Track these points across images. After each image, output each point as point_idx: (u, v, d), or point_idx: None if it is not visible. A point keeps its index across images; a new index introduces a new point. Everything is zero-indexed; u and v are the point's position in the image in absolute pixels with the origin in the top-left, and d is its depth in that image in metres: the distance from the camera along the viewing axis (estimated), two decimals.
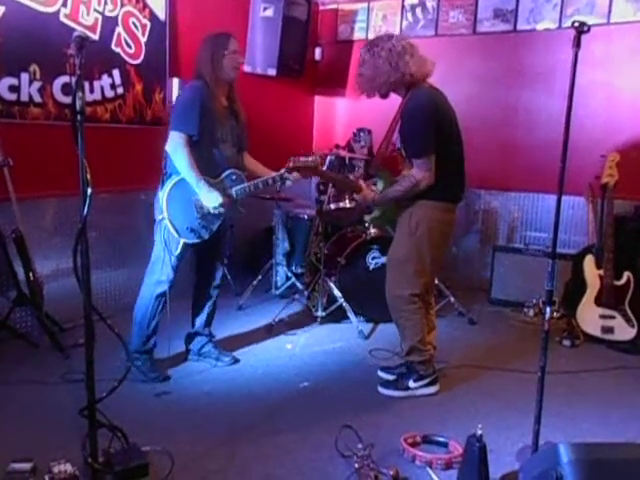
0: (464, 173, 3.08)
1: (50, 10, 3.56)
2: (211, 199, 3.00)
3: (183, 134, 2.96)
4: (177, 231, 3.03)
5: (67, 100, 3.69)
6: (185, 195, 3.02)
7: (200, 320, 3.42)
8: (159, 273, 3.10)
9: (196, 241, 3.09)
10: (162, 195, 3.03)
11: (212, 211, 3.03)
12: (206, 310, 3.40)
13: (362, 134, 4.93)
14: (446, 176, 2.90)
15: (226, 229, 3.32)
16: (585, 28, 2.06)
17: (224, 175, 3.11)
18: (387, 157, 3.18)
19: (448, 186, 2.96)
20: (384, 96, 3.06)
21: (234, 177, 3.13)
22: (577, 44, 2.08)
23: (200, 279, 3.40)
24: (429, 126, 2.87)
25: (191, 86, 3.11)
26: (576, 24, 2.06)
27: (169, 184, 3.02)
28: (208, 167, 3.05)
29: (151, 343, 3.19)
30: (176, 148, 2.96)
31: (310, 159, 3.04)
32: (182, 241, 3.05)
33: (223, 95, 3.11)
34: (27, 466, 2.20)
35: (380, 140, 4.95)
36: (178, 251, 3.06)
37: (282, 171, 3.13)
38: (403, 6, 5.45)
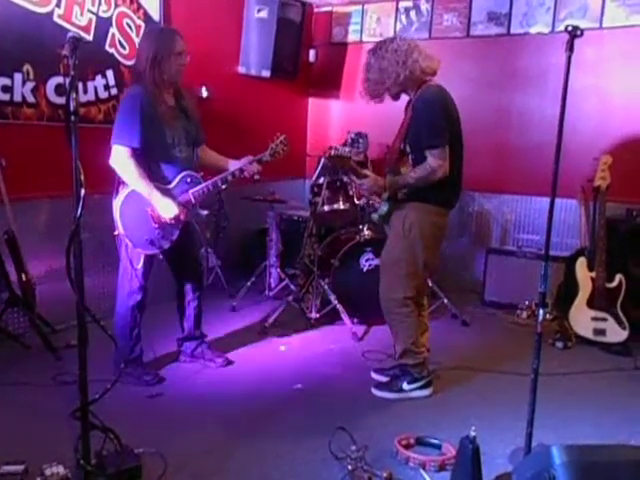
0: (461, 181, 3.08)
1: (44, 10, 3.55)
2: (166, 208, 2.90)
3: (126, 147, 2.84)
4: (135, 244, 2.93)
5: (60, 101, 3.68)
6: (139, 206, 2.91)
7: (188, 324, 3.38)
8: (129, 285, 3.04)
9: (157, 252, 3.01)
10: (115, 209, 2.92)
11: (169, 221, 2.95)
12: (192, 313, 3.35)
13: (361, 140, 4.92)
14: (444, 179, 2.89)
15: (195, 232, 3.22)
16: (578, 32, 2.07)
17: (178, 179, 2.99)
18: (393, 160, 3.13)
19: (444, 190, 2.96)
20: (395, 97, 3.04)
21: (189, 180, 3.02)
22: (570, 48, 2.09)
23: (179, 285, 3.33)
24: (442, 117, 2.87)
25: (129, 95, 2.98)
26: (569, 28, 2.08)
27: (121, 196, 2.91)
28: (160, 175, 2.96)
29: (137, 351, 3.15)
30: (120, 162, 2.85)
31: (347, 149, 3.11)
32: (144, 253, 2.99)
33: (168, 95, 2.97)
34: (19, 468, 2.20)
35: (376, 143, 5.01)
36: (140, 264, 2.99)
37: (274, 145, 3.13)
38: (397, 9, 5.47)
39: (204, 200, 3.09)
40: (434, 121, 2.86)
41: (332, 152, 3.13)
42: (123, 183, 2.93)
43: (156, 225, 2.95)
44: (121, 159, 2.86)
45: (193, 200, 3.03)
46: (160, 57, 2.86)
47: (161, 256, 3.12)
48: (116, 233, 2.95)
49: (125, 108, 2.92)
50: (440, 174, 2.85)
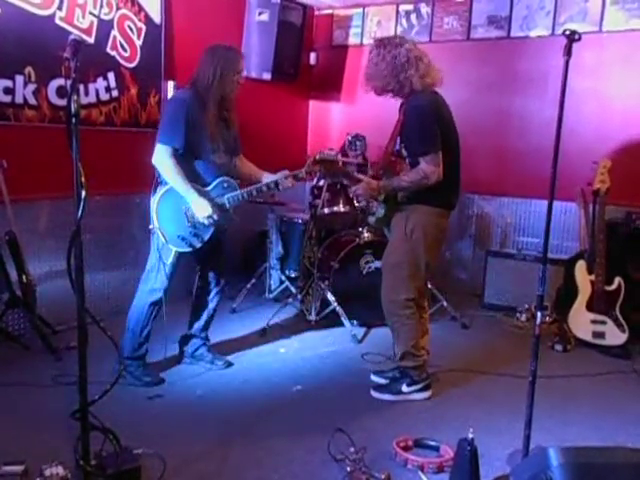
0: (460, 181, 3.09)
1: (46, 13, 3.57)
2: (201, 208, 2.99)
3: (168, 147, 2.96)
4: (167, 239, 3.02)
5: (62, 103, 3.69)
6: (176, 203, 3.02)
7: (198, 324, 3.42)
8: (153, 281, 3.09)
9: (188, 249, 3.08)
10: (153, 204, 3.03)
11: (202, 220, 3.02)
12: (205, 316, 3.40)
13: (358, 142, 4.94)
14: (443, 182, 2.90)
15: (224, 237, 3.31)
16: (576, 36, 2.08)
17: (215, 183, 3.10)
18: (388, 162, 3.15)
19: (444, 192, 2.97)
20: (379, 95, 3.07)
21: (225, 185, 3.12)
22: (568, 52, 2.10)
23: (202, 285, 3.40)
24: (434, 123, 2.87)
25: (177, 98, 3.12)
26: (567, 32, 2.09)
27: (160, 192, 3.03)
28: (199, 177, 3.06)
29: (143, 350, 3.18)
30: (162, 161, 2.96)
31: (332, 153, 3.08)
32: (174, 250, 3.05)
33: (215, 104, 3.06)
34: (19, 469, 2.20)
35: (375, 145, 5.01)
36: (170, 260, 3.06)
37: (308, 162, 3.16)
38: (398, 12, 5.48)
39: (237, 207, 3.17)
40: (425, 127, 2.87)
41: (317, 156, 3.08)
42: (160, 183, 3.04)
43: (189, 224, 3.04)
44: (163, 157, 2.96)
45: (227, 205, 3.11)
46: (225, 73, 3.00)
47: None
48: (151, 227, 3.05)
49: (172, 110, 3.06)
50: (433, 179, 2.86)
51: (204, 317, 3.40)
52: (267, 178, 3.25)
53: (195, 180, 3.03)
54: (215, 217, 3.03)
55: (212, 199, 3.06)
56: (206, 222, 3.03)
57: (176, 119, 2.96)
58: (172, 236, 3.04)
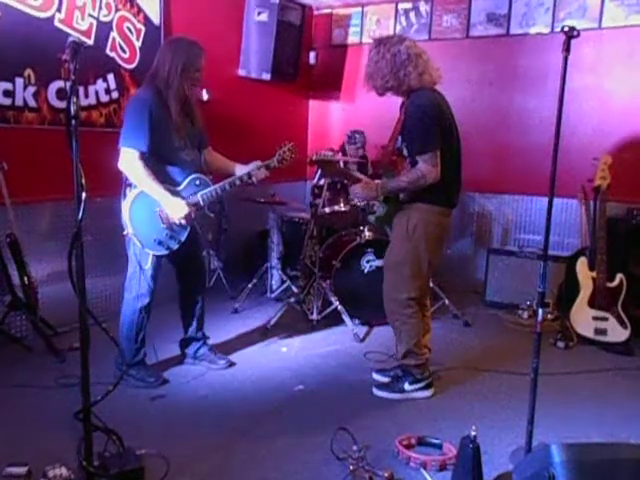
0: (461, 179, 3.09)
1: (45, 15, 3.57)
2: (176, 209, 2.93)
3: (134, 150, 2.87)
4: (144, 244, 2.96)
5: (62, 105, 3.70)
6: (148, 207, 2.94)
7: (191, 326, 3.40)
8: (137, 288, 3.05)
9: (165, 252, 3.03)
10: (124, 209, 2.95)
11: (179, 221, 2.97)
12: (195, 316, 3.38)
13: (357, 135, 4.95)
14: (444, 180, 2.90)
15: (198, 234, 3.25)
16: (575, 33, 2.08)
17: (187, 181, 3.03)
18: (388, 160, 3.14)
19: (445, 190, 2.96)
20: (380, 95, 3.06)
21: (197, 182, 3.06)
22: (567, 49, 2.10)
23: (183, 287, 3.35)
24: (433, 122, 2.86)
25: (138, 98, 3.00)
26: (566, 29, 2.08)
27: (130, 197, 2.94)
28: (169, 177, 2.99)
29: (141, 354, 3.17)
30: (129, 165, 2.88)
31: (330, 154, 3.05)
32: (151, 254, 3.01)
33: (177, 100, 2.95)
34: (22, 470, 2.20)
35: (375, 142, 5.01)
36: (149, 265, 3.02)
37: (282, 152, 3.08)
38: (397, 10, 5.48)
39: (212, 203, 3.13)
40: (425, 126, 2.86)
41: (314, 157, 3.06)
42: (130, 185, 2.96)
43: (164, 226, 2.99)
44: (129, 162, 2.88)
45: (202, 202, 3.05)
46: (186, 69, 2.92)
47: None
48: (125, 233, 2.98)
49: (134, 111, 2.94)
50: (431, 179, 2.85)
51: (195, 318, 3.37)
52: (239, 170, 3.17)
53: (165, 180, 2.95)
54: (192, 215, 2.98)
55: (185, 198, 2.99)
56: (183, 222, 2.97)
57: (140, 120, 2.86)
58: (148, 240, 2.97)
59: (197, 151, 3.15)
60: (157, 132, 2.90)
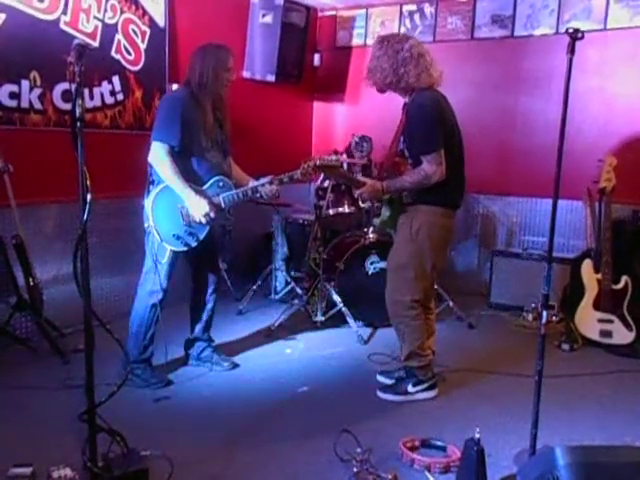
0: (464, 180, 3.08)
1: (50, 18, 3.59)
2: (198, 207, 2.98)
3: (165, 144, 2.95)
4: (162, 238, 3.01)
5: (67, 107, 3.71)
6: (171, 202, 3.01)
7: (199, 326, 3.42)
8: (151, 284, 3.09)
9: (183, 249, 3.07)
10: (147, 202, 3.02)
11: (199, 219, 3.01)
12: (204, 316, 3.40)
13: (365, 144, 4.94)
14: (447, 181, 2.90)
15: (220, 236, 3.31)
16: (579, 35, 2.08)
17: (211, 182, 3.09)
18: (391, 162, 3.14)
19: (449, 192, 2.97)
20: (380, 91, 3.06)
21: (221, 184, 3.11)
22: (571, 50, 2.10)
23: (196, 286, 3.39)
24: (436, 122, 2.86)
25: (172, 96, 3.11)
26: (570, 30, 2.08)
27: (154, 191, 3.01)
28: (194, 176, 3.05)
29: (149, 352, 3.19)
30: (158, 158, 2.96)
31: (334, 158, 3.06)
32: (169, 248, 3.04)
33: (209, 103, 3.08)
34: (27, 471, 2.21)
35: (380, 146, 5.01)
36: (165, 259, 3.05)
37: (306, 166, 3.04)
38: (401, 12, 5.48)
39: (233, 207, 3.17)
40: (427, 126, 2.86)
41: (317, 162, 3.04)
42: (152, 183, 3.04)
43: (184, 222, 3.03)
44: (159, 155, 2.96)
45: (223, 204, 3.10)
46: (216, 71, 3.02)
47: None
48: (146, 225, 3.05)
49: (167, 107, 3.05)
50: (435, 178, 2.85)
51: (204, 318, 3.40)
52: (253, 183, 3.22)
53: (190, 179, 3.02)
54: (212, 215, 3.02)
55: (208, 198, 3.05)
56: (203, 221, 3.01)
57: (172, 116, 2.96)
58: (167, 235, 3.02)
59: (223, 155, 3.20)
60: (187, 130, 2.97)
